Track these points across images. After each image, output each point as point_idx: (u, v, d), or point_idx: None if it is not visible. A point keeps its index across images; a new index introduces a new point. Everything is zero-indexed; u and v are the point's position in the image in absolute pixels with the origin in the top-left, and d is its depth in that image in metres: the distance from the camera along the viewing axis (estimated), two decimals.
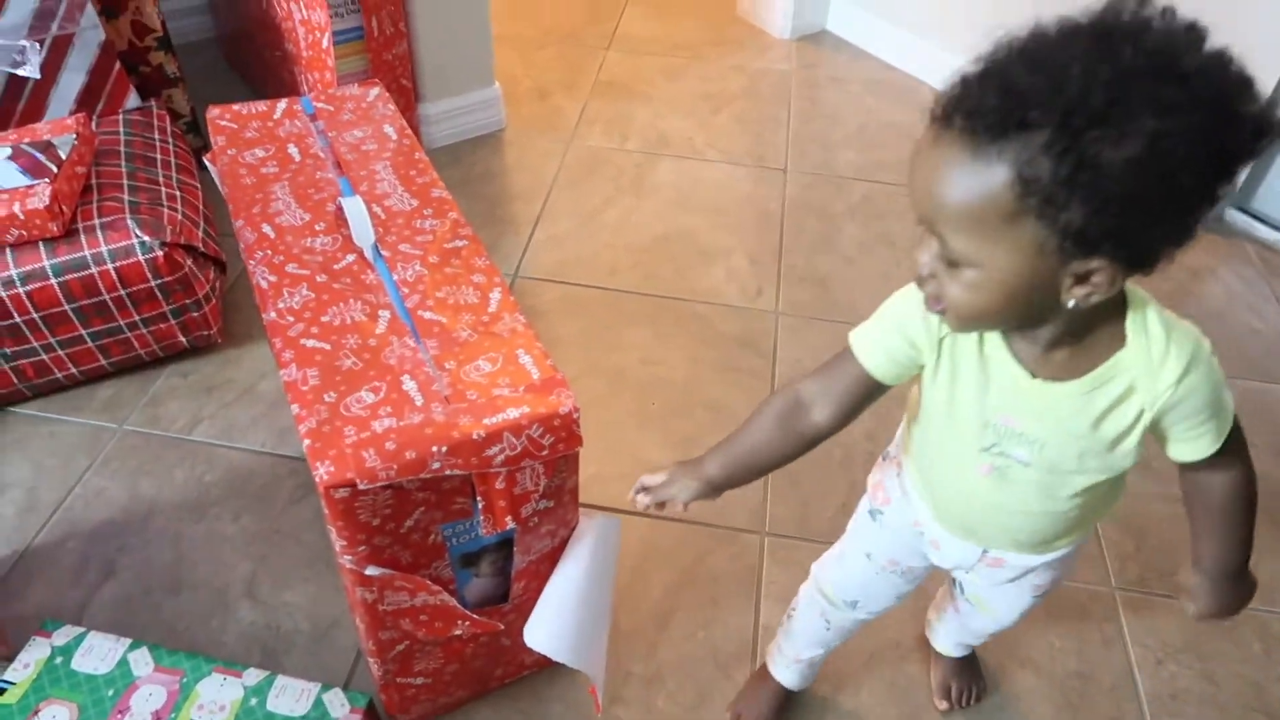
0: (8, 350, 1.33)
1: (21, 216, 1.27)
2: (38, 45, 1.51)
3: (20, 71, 1.52)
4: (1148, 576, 1.24)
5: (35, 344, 1.34)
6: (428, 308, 0.90)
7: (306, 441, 0.77)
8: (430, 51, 1.89)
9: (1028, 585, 0.85)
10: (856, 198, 1.84)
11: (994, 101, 0.51)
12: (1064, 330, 0.61)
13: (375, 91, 1.23)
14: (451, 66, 1.95)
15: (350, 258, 0.96)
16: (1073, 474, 0.68)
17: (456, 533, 0.85)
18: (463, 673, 1.00)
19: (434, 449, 0.76)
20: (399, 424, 0.78)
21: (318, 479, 0.74)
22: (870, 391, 0.74)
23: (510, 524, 0.83)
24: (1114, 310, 0.62)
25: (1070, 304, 0.57)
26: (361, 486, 0.74)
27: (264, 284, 0.93)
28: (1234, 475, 0.70)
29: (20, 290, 1.28)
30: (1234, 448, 0.67)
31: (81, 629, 1.07)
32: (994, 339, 0.66)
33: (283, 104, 1.20)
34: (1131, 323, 0.62)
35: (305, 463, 1.33)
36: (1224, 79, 0.51)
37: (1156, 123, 0.48)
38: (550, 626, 0.89)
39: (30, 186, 1.30)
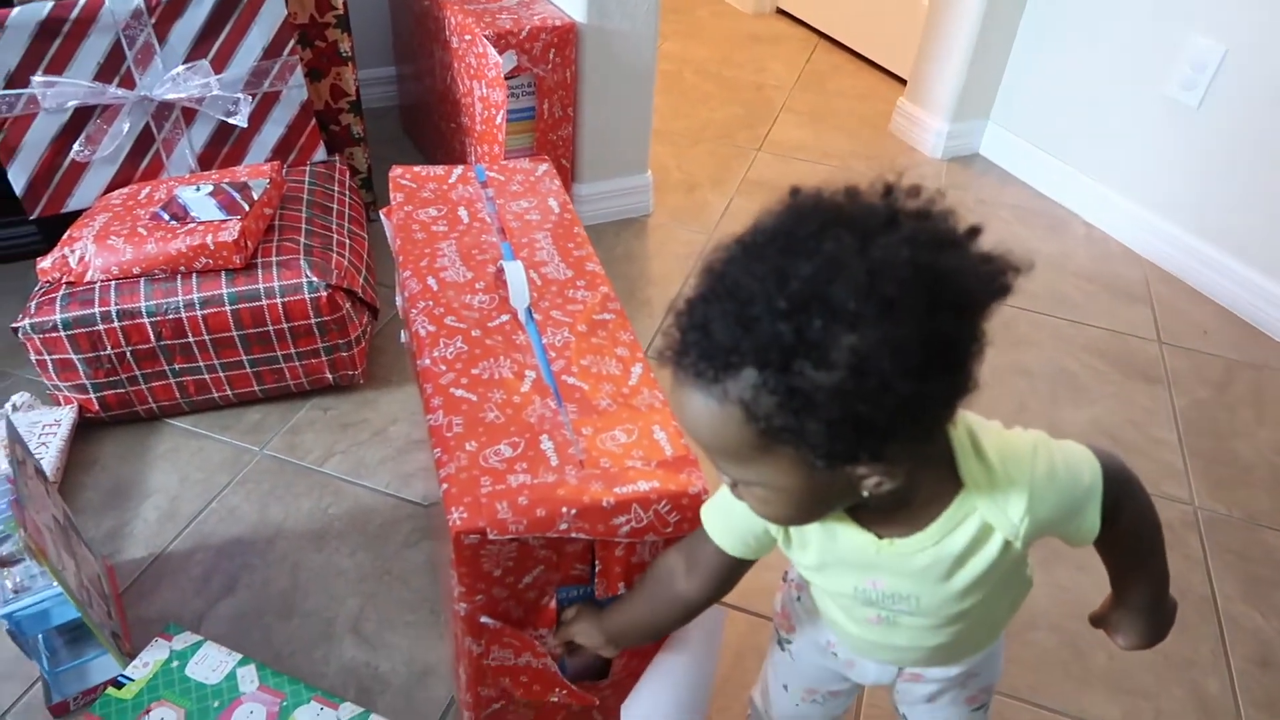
0: (176, 366, 1.44)
1: (212, 247, 1.39)
2: (250, 99, 1.68)
3: (231, 120, 1.68)
4: None
5: (201, 363, 1.45)
6: (571, 373, 0.93)
7: (445, 486, 0.80)
8: (592, 136, 1.99)
9: (961, 700, 0.80)
10: (996, 324, 1.79)
11: (698, 348, 0.51)
12: (890, 496, 0.56)
13: (544, 167, 1.30)
14: (609, 152, 2.04)
15: (504, 318, 1.00)
16: (960, 608, 0.65)
17: (570, 598, 0.85)
18: None
19: (564, 510, 0.78)
20: (533, 481, 0.80)
21: (450, 523, 0.76)
22: (735, 565, 0.73)
23: (622, 589, 0.83)
24: (938, 456, 0.59)
25: (865, 494, 0.55)
26: (491, 536, 0.76)
27: (423, 332, 0.98)
28: (1131, 519, 0.64)
29: (198, 314, 1.39)
30: (1117, 500, 0.61)
31: (199, 637, 1.12)
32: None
33: (458, 170, 1.28)
34: (963, 463, 0.59)
35: (424, 509, 1.38)
36: (917, 260, 0.47)
37: (854, 339, 0.46)
38: (647, 708, 0.87)
39: (224, 221, 1.42)
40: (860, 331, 0.46)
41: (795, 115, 2.73)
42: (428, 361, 0.94)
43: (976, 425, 0.60)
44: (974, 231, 0.52)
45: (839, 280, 0.47)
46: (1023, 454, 0.59)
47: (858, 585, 0.65)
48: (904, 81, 2.73)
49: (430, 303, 1.02)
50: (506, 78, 1.75)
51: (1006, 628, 0.77)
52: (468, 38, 1.80)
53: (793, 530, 0.67)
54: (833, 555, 0.65)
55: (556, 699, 0.90)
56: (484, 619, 0.82)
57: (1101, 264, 2.10)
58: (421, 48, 2.12)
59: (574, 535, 0.78)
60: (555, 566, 0.82)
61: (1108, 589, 0.76)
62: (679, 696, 0.89)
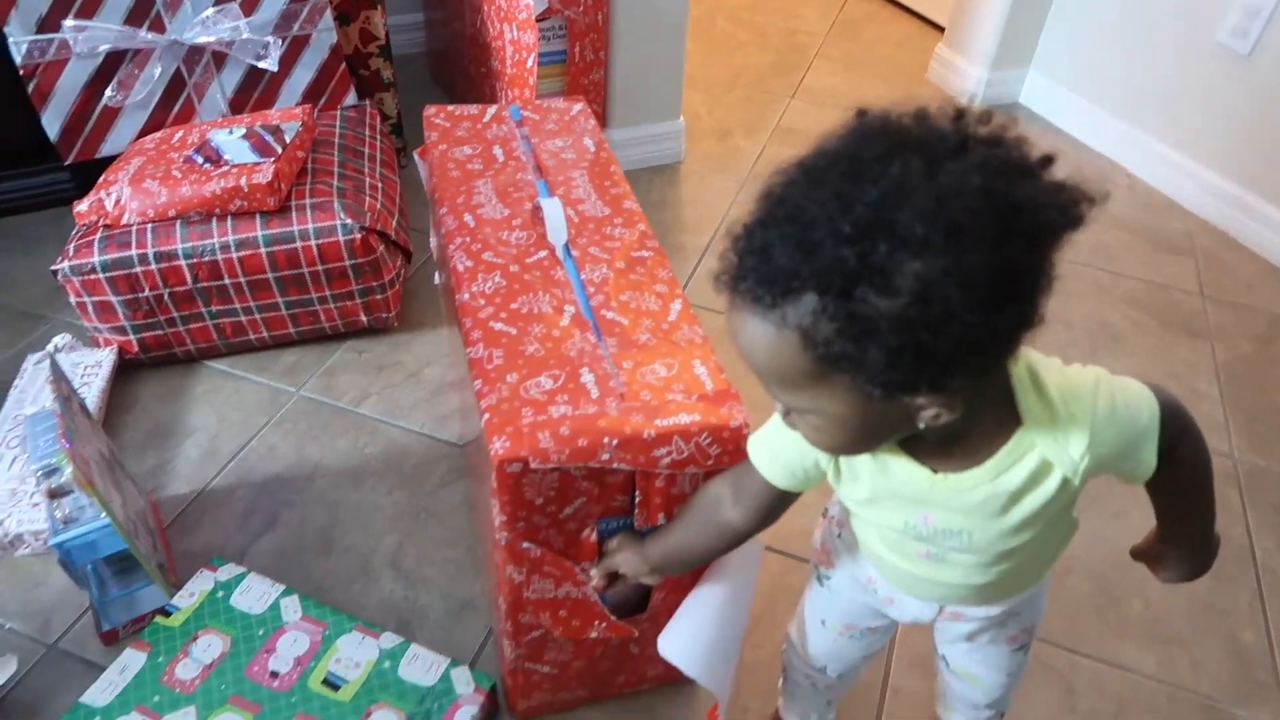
0: (213, 308, 1.45)
1: (246, 189, 1.39)
2: (280, 42, 1.66)
3: (261, 64, 1.67)
4: None
5: (237, 305, 1.46)
6: (610, 308, 0.92)
7: (486, 416, 0.80)
8: (624, 81, 1.97)
9: (1002, 640, 0.79)
10: None
11: (757, 273, 0.50)
12: (947, 429, 0.55)
13: (579, 107, 1.29)
14: (641, 97, 2.02)
15: (542, 254, 1.00)
16: (1011, 545, 0.64)
17: (610, 530, 0.86)
18: (588, 671, 1.00)
19: (605, 440, 0.78)
20: (574, 412, 0.80)
21: (492, 452, 0.77)
22: (781, 497, 0.73)
23: (662, 520, 0.84)
24: (997, 391, 0.57)
25: (922, 426, 0.54)
26: (533, 465, 0.76)
27: (461, 267, 0.98)
28: (1186, 457, 0.63)
29: (234, 255, 1.40)
30: (1173, 438, 0.60)
31: (243, 569, 1.15)
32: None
33: (492, 109, 1.27)
34: (1022, 399, 0.57)
35: (459, 449, 1.39)
36: (990, 182, 0.46)
37: (920, 266, 0.45)
38: (685, 640, 0.88)
39: (257, 164, 1.42)
40: (926, 258, 0.45)
41: (829, 62, 2.68)
42: (466, 296, 0.93)
43: (1036, 361, 0.59)
44: (1047, 160, 0.50)
45: (906, 205, 0.46)
46: (1084, 391, 0.58)
47: (908, 520, 0.65)
48: (941, 28, 2.67)
49: (468, 239, 1.01)
50: (538, 20, 1.72)
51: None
52: None
53: (843, 463, 0.66)
54: (885, 488, 0.64)
55: (596, 633, 0.91)
56: (525, 544, 0.83)
57: (1144, 215, 2.05)
58: None
59: (615, 466, 0.79)
60: (596, 498, 0.82)
61: (1143, 535, 0.75)
62: (716, 630, 0.89)
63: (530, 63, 1.77)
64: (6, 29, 1.52)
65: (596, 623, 0.90)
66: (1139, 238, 1.98)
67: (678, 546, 0.81)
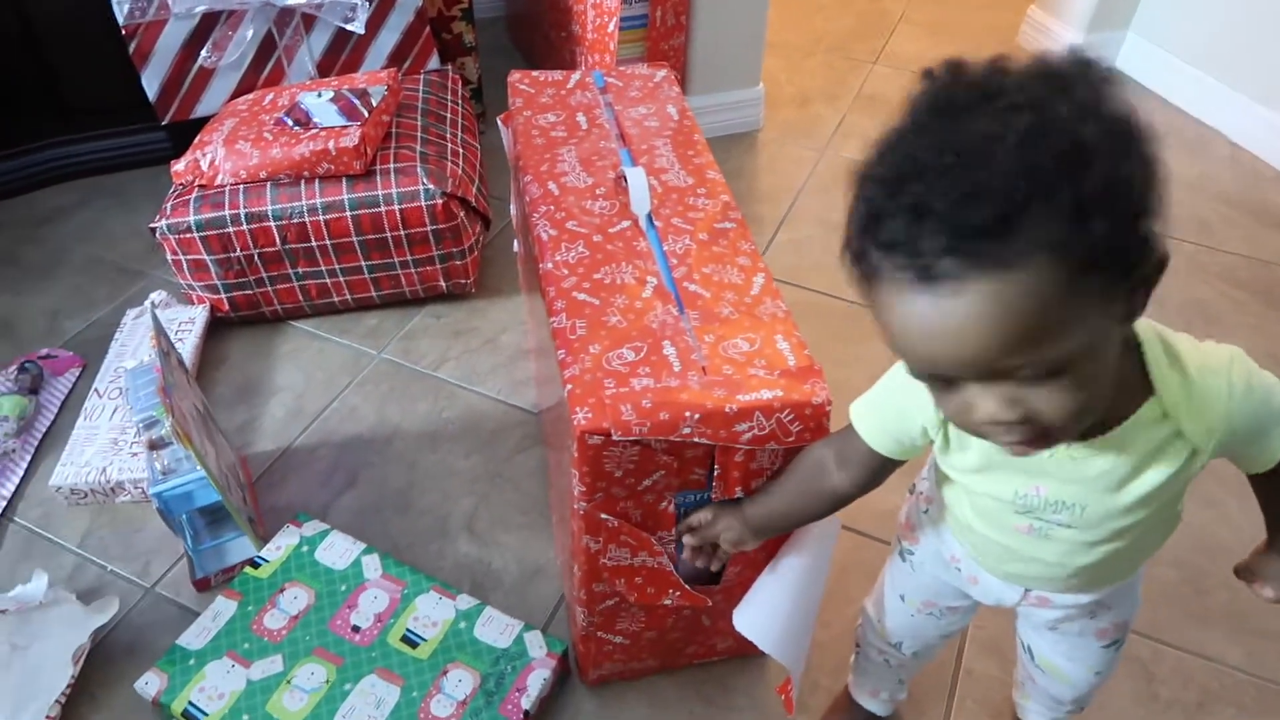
0: (300, 270, 1.49)
1: (334, 152, 1.42)
2: (367, 4, 1.68)
3: (348, 26, 1.69)
4: None
5: (323, 268, 1.49)
6: (693, 280, 0.92)
7: (569, 386, 0.80)
8: (704, 46, 1.94)
9: (1091, 633, 0.77)
10: None
11: (952, 226, 0.44)
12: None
13: (662, 73, 1.27)
14: (721, 63, 1.98)
15: (625, 224, 0.99)
16: (1120, 525, 0.62)
17: (687, 503, 0.86)
18: (659, 642, 1.01)
19: (687, 414, 0.78)
20: (656, 385, 0.80)
21: (574, 423, 0.77)
22: (885, 462, 0.72)
23: (740, 495, 0.84)
24: (1127, 357, 0.55)
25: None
26: (615, 437, 0.77)
27: (544, 236, 0.98)
28: None
29: (321, 218, 1.43)
30: None
31: (326, 526, 1.18)
32: None
33: (576, 75, 1.26)
34: (1155, 368, 0.55)
35: (534, 415, 1.40)
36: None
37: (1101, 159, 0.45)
38: (760, 613, 0.88)
39: (344, 127, 1.44)
40: (1100, 157, 0.45)
41: (914, 27, 2.59)
42: (550, 265, 0.94)
43: (1167, 333, 0.57)
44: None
45: (1059, 118, 0.45)
46: (1220, 365, 0.56)
47: (1019, 490, 0.63)
48: None
49: (552, 207, 1.02)
50: None
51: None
52: None
53: (953, 431, 0.65)
54: (1000, 456, 0.62)
55: (670, 601, 0.92)
56: (603, 516, 0.84)
57: (1248, 187, 1.94)
58: None
59: (696, 440, 0.78)
60: (675, 471, 0.82)
61: (1231, 526, 0.72)
62: (791, 605, 0.89)
63: (611, 27, 1.75)
64: None
65: (671, 591, 0.91)
66: (1240, 210, 1.88)
67: (781, 511, 0.82)
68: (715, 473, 0.83)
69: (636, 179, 1.02)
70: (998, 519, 0.67)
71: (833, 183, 1.94)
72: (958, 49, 2.21)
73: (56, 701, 1.02)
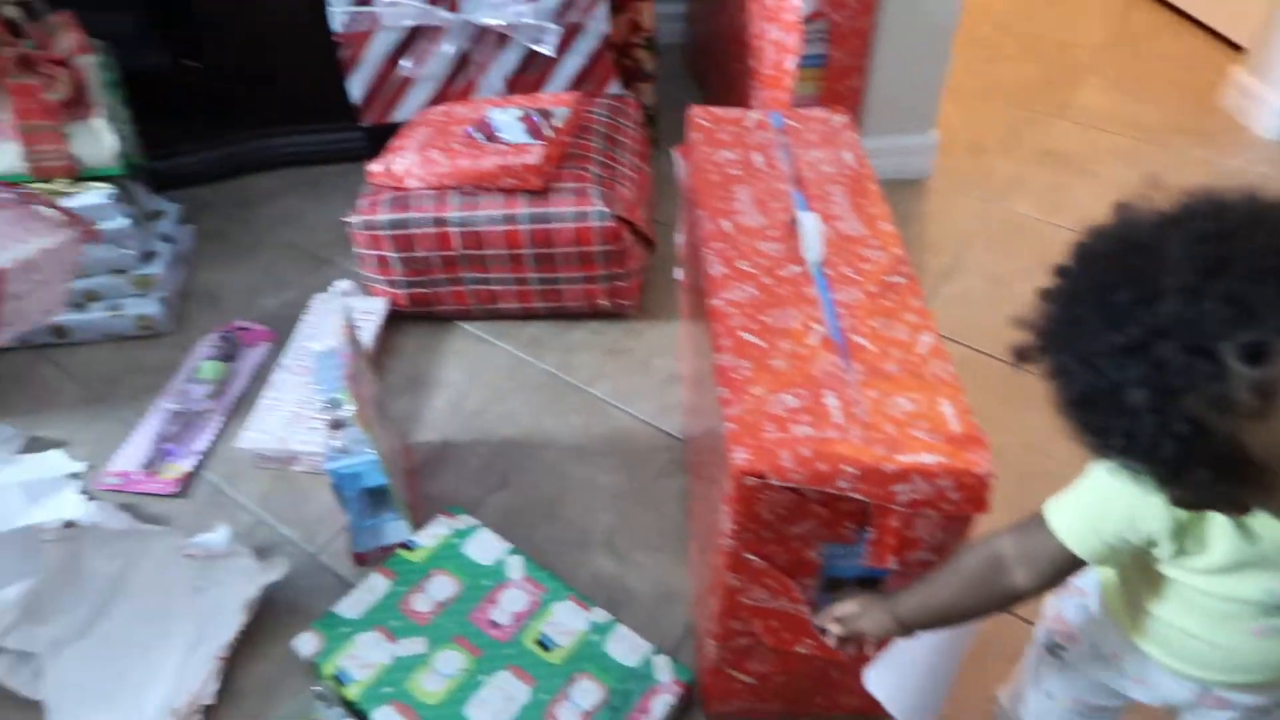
0: (473, 275, 1.58)
1: (516, 168, 1.50)
2: (558, 28, 1.76)
3: (538, 48, 1.78)
4: None
5: (493, 275, 1.58)
6: (859, 333, 0.93)
7: (729, 425, 0.83)
8: (881, 89, 1.93)
9: None
10: None
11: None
12: None
13: (841, 119, 1.29)
14: (897, 107, 1.97)
15: (795, 269, 1.01)
16: None
17: (834, 554, 0.87)
18: (787, 687, 1.02)
19: (844, 468, 0.79)
20: (816, 434, 0.81)
21: (732, 462, 0.80)
22: (1078, 564, 0.67)
23: (892, 563, 0.84)
24: None
25: None
26: (771, 481, 0.79)
27: (715, 272, 1.01)
28: None
29: (498, 229, 1.51)
30: None
31: (476, 521, 1.25)
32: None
33: (756, 114, 1.29)
34: None
35: (680, 442, 1.43)
36: None
37: None
38: (895, 678, 0.88)
39: (528, 145, 1.52)
40: None
41: (1103, 79, 2.49)
42: (719, 302, 0.97)
43: None
44: None
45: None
46: None
47: (1273, 588, 0.60)
48: (1240, 48, 2.41)
49: (723, 244, 1.05)
50: (804, 21, 1.72)
51: None
52: None
53: (1189, 537, 0.62)
54: (1251, 555, 0.60)
55: (804, 650, 0.93)
56: (749, 556, 0.86)
57: None
58: None
59: (852, 495, 0.79)
60: (826, 522, 0.83)
61: None
62: (927, 675, 0.88)
63: (789, 65, 1.77)
64: None
65: (806, 640, 0.92)
66: None
67: (943, 608, 0.76)
68: (869, 534, 0.83)
69: (810, 225, 1.04)
70: (1231, 622, 0.65)
71: (1003, 238, 1.89)
72: (1150, 108, 2.11)
73: (227, 644, 1.13)
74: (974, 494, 0.79)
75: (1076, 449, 0.70)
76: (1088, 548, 0.66)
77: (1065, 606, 0.80)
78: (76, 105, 1.51)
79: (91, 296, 1.59)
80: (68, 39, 1.49)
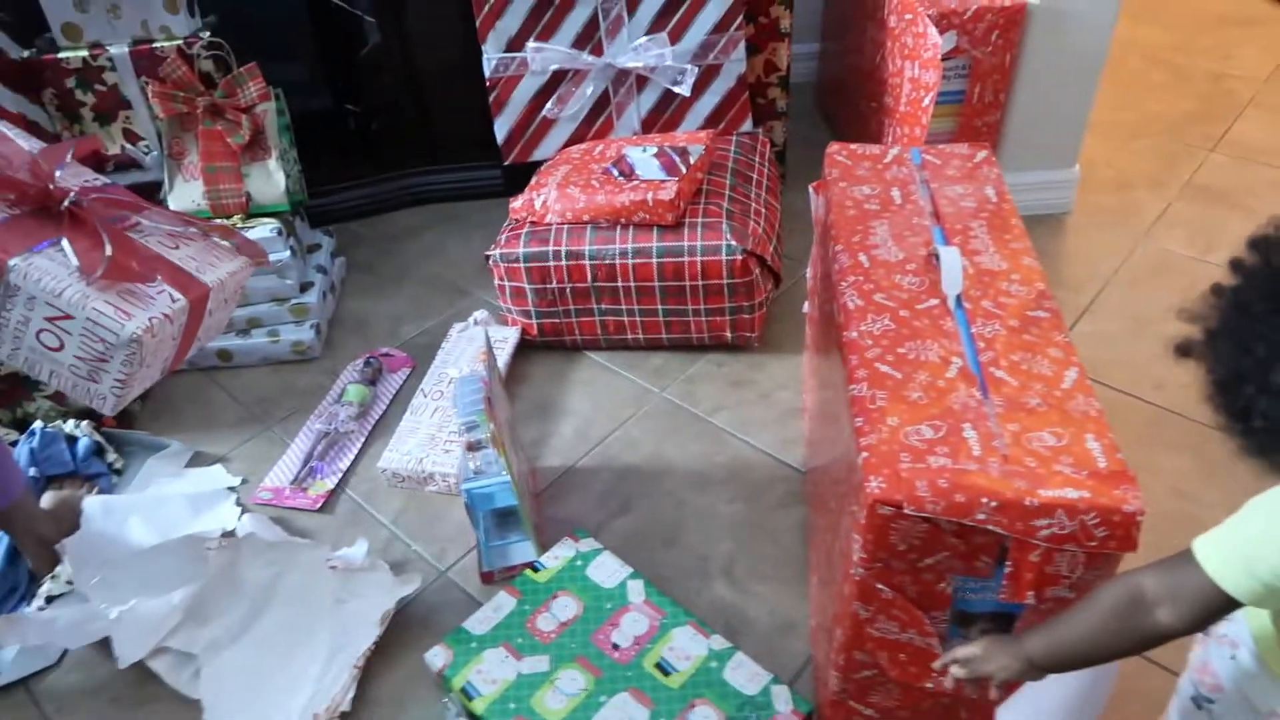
0: (603, 306, 1.62)
1: (651, 203, 1.54)
2: (695, 69, 1.81)
3: (675, 89, 1.83)
4: None
5: (623, 307, 1.62)
6: (1000, 367, 0.91)
7: (864, 455, 0.82)
8: (1020, 124, 1.89)
9: None
10: None
11: None
12: None
13: (982, 154, 1.27)
14: (1036, 142, 1.92)
15: (933, 302, 1.00)
16: None
17: (967, 588, 0.84)
18: None
19: (983, 500, 0.77)
20: (954, 466, 0.80)
21: (869, 491, 0.79)
22: (1229, 605, 0.63)
23: (1029, 599, 0.81)
24: None
25: None
26: (907, 511, 0.78)
27: (851, 305, 1.01)
28: None
29: (629, 262, 1.55)
30: None
31: (599, 545, 1.27)
32: None
33: (894, 150, 1.28)
34: None
35: (800, 474, 1.42)
36: None
37: None
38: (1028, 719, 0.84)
39: (663, 181, 1.56)
40: None
41: (1265, 113, 2.35)
42: (855, 334, 0.97)
43: None
44: None
45: None
46: None
47: None
48: None
49: (860, 278, 1.04)
50: (943, 59, 1.71)
51: None
52: (908, 16, 1.78)
53: None
54: None
55: (931, 685, 0.90)
56: (879, 586, 0.84)
57: None
58: (854, 25, 2.14)
59: (989, 528, 0.77)
60: (960, 555, 0.81)
61: None
62: (1064, 717, 0.84)
63: (926, 101, 1.76)
64: (484, 46, 1.82)
65: (934, 674, 0.89)
66: None
67: (1079, 649, 0.73)
68: (1006, 568, 0.81)
69: (950, 258, 1.03)
70: None
71: (1148, 276, 1.80)
72: None
73: (363, 654, 1.18)
74: (1122, 531, 0.75)
75: (1221, 493, 0.67)
76: (1241, 586, 0.63)
77: (1212, 656, 0.75)
78: (255, 148, 1.66)
79: (254, 323, 1.72)
80: (252, 87, 1.64)
